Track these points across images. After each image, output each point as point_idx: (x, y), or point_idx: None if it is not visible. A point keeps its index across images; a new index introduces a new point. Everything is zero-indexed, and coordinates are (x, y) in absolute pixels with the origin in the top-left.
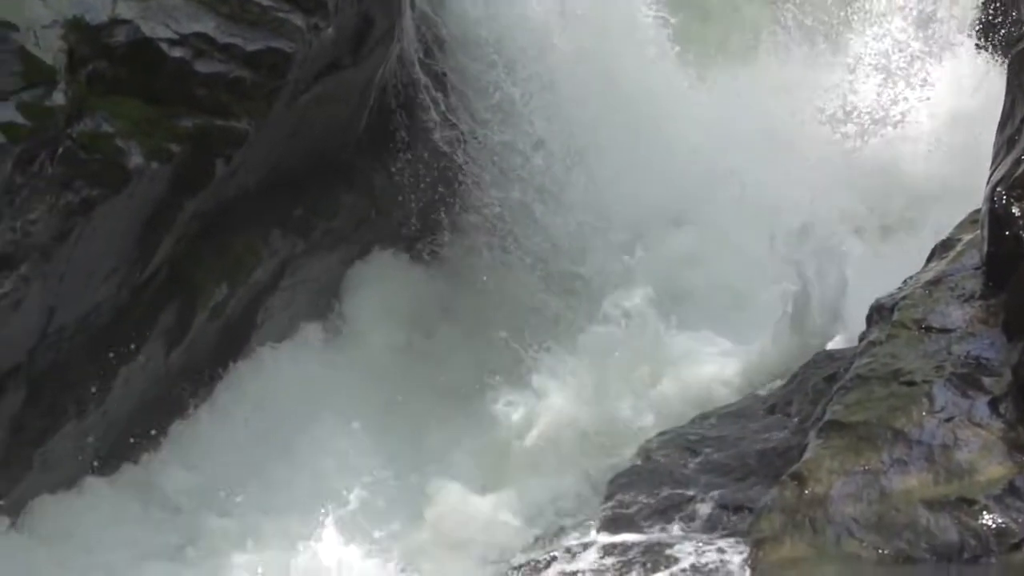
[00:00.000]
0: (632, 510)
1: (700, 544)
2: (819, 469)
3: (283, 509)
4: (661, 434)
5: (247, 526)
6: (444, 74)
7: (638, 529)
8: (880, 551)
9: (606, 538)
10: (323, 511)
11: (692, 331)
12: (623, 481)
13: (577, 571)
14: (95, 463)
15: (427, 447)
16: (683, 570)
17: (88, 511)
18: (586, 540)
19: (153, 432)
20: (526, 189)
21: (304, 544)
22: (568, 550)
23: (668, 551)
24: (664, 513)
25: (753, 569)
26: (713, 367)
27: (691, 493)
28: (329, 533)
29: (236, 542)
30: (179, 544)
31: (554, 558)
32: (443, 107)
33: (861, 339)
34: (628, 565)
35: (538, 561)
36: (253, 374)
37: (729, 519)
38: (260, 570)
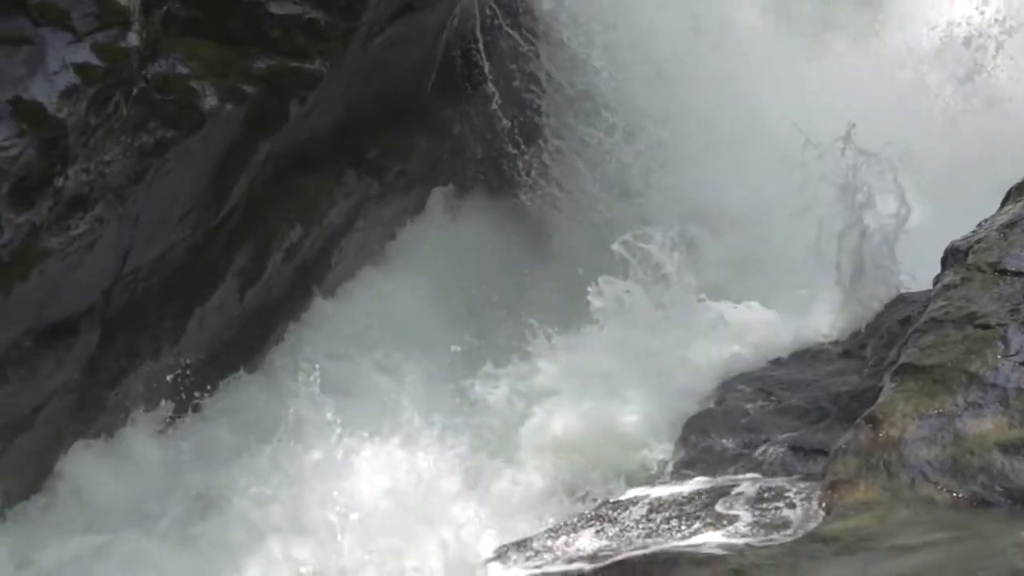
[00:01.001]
0: (705, 453)
1: (773, 487)
2: (893, 412)
3: (361, 437)
4: (736, 377)
5: (328, 457)
6: (523, 19)
7: (711, 471)
8: (954, 494)
9: (678, 480)
10: (402, 434)
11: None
12: (697, 424)
13: (648, 513)
14: (170, 404)
15: (501, 381)
16: (756, 513)
17: (163, 449)
18: (659, 482)
19: (228, 373)
20: (603, 138)
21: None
22: (640, 493)
23: (741, 494)
24: (738, 456)
25: (828, 512)
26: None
27: (765, 436)
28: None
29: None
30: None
31: (628, 499)
32: (521, 52)
33: (935, 282)
34: (700, 508)
35: (614, 503)
36: (328, 315)
37: (803, 462)
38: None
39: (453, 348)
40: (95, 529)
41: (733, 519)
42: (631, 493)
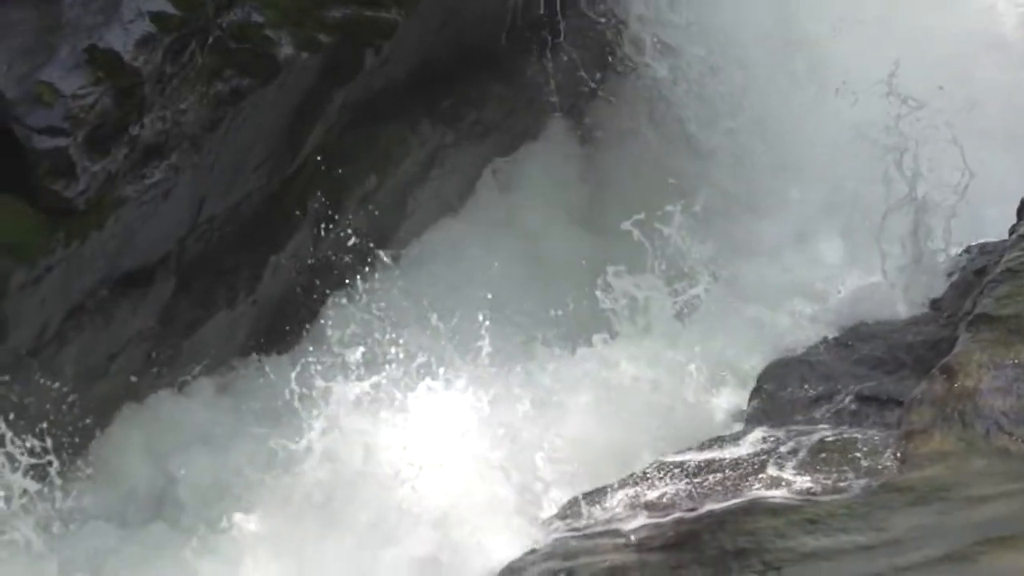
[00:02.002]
0: (779, 402)
1: (849, 436)
2: (969, 362)
3: (435, 385)
4: (812, 324)
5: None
6: None
7: (786, 421)
8: None
9: (754, 428)
10: (475, 382)
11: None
12: (772, 373)
13: (725, 461)
14: (243, 352)
15: (578, 319)
16: (831, 463)
17: (237, 397)
18: (733, 430)
19: (301, 321)
20: (682, 86)
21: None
22: (715, 440)
23: (816, 443)
24: (814, 405)
25: (903, 462)
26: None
27: (840, 386)
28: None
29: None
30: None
31: (700, 450)
32: None
33: (1011, 232)
34: (776, 457)
35: (687, 454)
36: (403, 262)
37: (879, 412)
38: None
39: (527, 301)
40: (160, 477)
41: (806, 469)
42: (703, 445)
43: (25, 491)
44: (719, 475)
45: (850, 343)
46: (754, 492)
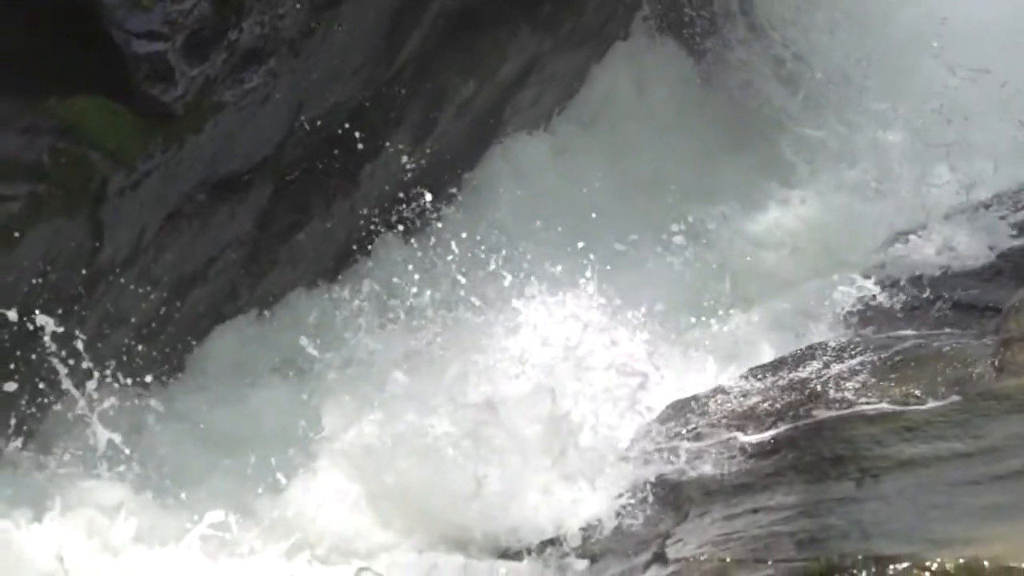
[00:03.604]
0: (880, 308)
1: (946, 342)
2: None
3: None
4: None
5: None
6: None
7: (885, 325)
8: None
9: (851, 332)
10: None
11: None
12: (873, 278)
13: (817, 368)
14: (341, 257)
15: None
16: (929, 370)
17: (332, 306)
18: (830, 335)
19: (399, 226)
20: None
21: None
22: (809, 349)
23: (914, 349)
24: (913, 311)
25: (1000, 370)
26: None
27: (939, 293)
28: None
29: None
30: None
31: (797, 354)
32: None
33: None
34: (875, 361)
35: (778, 362)
36: (500, 168)
37: (977, 319)
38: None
39: (627, 217)
40: (259, 382)
41: (903, 376)
42: (796, 352)
43: (114, 404)
44: (812, 382)
45: (953, 249)
46: (848, 399)
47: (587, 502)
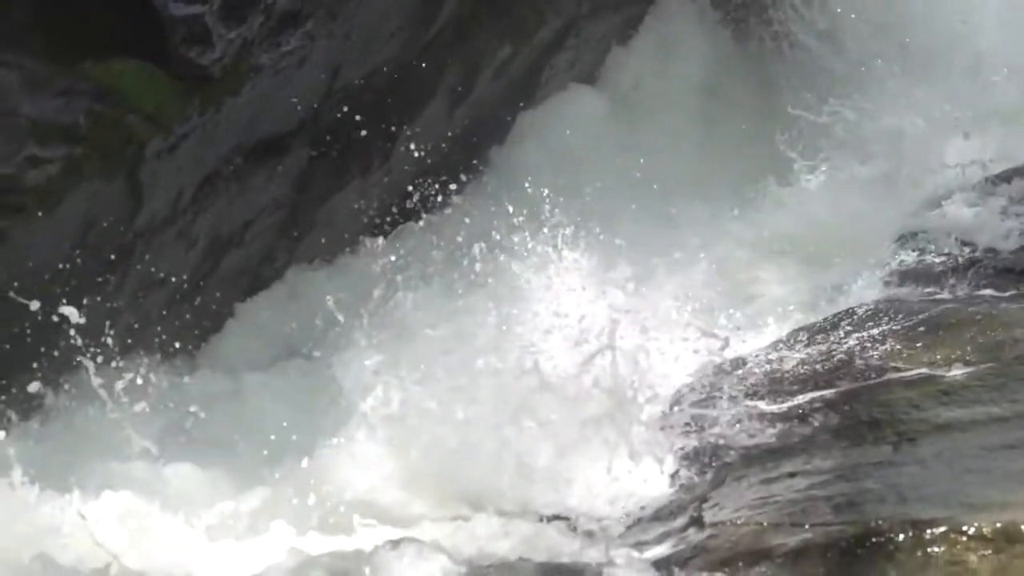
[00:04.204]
0: (920, 266)
1: (989, 302)
2: None
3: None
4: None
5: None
6: None
7: (925, 284)
8: None
9: (892, 291)
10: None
11: None
12: (914, 235)
13: (860, 327)
14: (377, 222)
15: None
16: (968, 334)
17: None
18: (869, 294)
19: (435, 192)
20: None
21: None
22: (846, 312)
23: (953, 311)
24: (953, 271)
25: None
26: None
27: (979, 255)
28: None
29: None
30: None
31: (836, 316)
32: None
33: None
34: (915, 325)
35: (831, 320)
36: (537, 131)
37: (1016, 283)
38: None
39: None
40: (290, 351)
41: (941, 340)
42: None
43: (149, 365)
44: (849, 344)
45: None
46: (885, 363)
47: (625, 467)
